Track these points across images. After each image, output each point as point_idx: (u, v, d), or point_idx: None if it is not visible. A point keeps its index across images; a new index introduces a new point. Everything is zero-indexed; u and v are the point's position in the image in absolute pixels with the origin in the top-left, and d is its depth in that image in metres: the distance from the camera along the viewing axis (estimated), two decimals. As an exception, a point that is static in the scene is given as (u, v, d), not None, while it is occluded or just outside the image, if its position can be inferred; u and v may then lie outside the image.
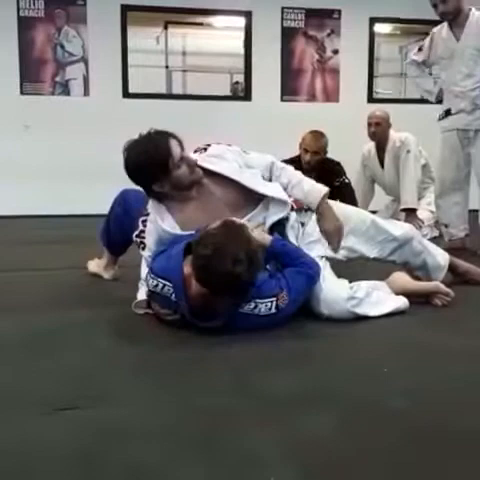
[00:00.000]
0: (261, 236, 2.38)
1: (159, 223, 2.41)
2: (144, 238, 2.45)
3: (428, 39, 4.25)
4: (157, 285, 2.23)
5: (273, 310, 2.19)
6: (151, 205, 2.47)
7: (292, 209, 2.59)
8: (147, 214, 2.48)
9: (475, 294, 2.78)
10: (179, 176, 2.37)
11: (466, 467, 1.29)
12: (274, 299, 2.19)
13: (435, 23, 4.29)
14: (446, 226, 4.23)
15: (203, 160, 2.47)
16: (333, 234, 2.53)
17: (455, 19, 3.97)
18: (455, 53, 3.98)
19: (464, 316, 2.47)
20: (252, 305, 2.17)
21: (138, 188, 2.55)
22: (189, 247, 2.21)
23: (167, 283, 2.19)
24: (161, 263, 2.27)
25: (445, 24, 4.10)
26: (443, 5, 3.92)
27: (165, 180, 2.37)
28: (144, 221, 2.48)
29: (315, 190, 2.55)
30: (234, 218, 2.14)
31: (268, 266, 2.36)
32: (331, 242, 2.53)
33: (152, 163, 2.34)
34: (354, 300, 2.36)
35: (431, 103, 4.49)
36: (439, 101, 4.32)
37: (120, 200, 2.99)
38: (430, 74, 4.40)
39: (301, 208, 2.63)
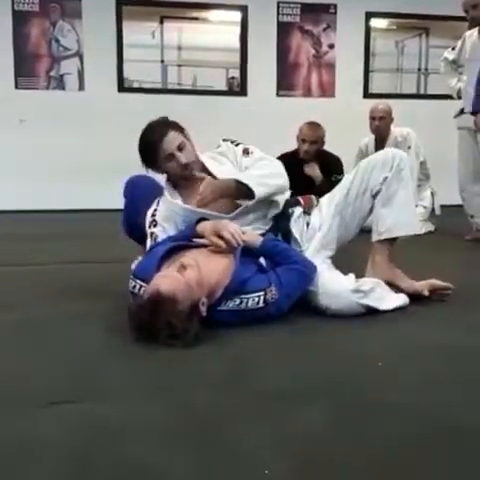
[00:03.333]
0: (252, 238, 2.39)
1: (170, 198, 2.57)
2: (156, 216, 2.57)
3: (460, 40, 4.41)
4: (135, 286, 2.24)
5: (261, 304, 2.18)
6: (164, 184, 2.67)
7: (299, 204, 2.68)
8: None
9: (472, 289, 2.78)
10: (169, 168, 2.57)
11: (461, 463, 1.29)
12: (262, 293, 2.18)
13: (430, 18, 4.32)
14: (472, 217, 4.48)
15: (210, 156, 2.66)
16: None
17: None
18: (478, 56, 4.07)
19: (461, 312, 2.47)
20: (237, 301, 2.16)
21: (142, 176, 2.79)
22: (171, 250, 2.26)
23: (143, 284, 2.18)
24: (142, 264, 2.29)
25: (477, 28, 4.23)
26: (473, 10, 4.11)
27: (159, 168, 2.59)
28: (158, 202, 2.62)
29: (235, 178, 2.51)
30: (163, 289, 2.00)
31: (263, 261, 2.36)
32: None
33: (144, 153, 2.57)
34: (360, 293, 2.35)
35: (426, 98, 4.57)
36: (460, 98, 4.49)
37: (126, 190, 2.95)
38: (460, 73, 4.53)
39: (310, 207, 2.68)
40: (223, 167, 2.63)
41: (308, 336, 2.17)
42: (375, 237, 2.63)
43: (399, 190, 2.57)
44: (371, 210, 2.64)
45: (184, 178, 2.58)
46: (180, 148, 2.52)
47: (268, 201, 2.59)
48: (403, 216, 2.59)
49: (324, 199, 2.72)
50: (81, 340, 2.11)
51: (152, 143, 2.52)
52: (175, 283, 2.03)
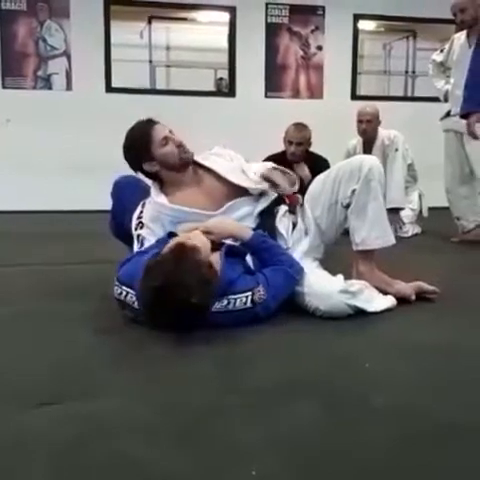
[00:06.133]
0: (241, 231, 2.39)
1: (155, 199, 2.56)
2: (142, 218, 2.57)
3: (449, 43, 4.45)
4: (121, 293, 2.23)
5: (248, 304, 2.18)
6: (151, 184, 2.66)
7: (284, 203, 2.67)
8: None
9: (459, 290, 2.79)
10: (165, 154, 2.55)
11: (446, 460, 1.30)
12: (249, 293, 2.18)
13: (418, 21, 4.35)
14: (458, 219, 4.50)
15: (202, 157, 2.69)
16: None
17: (472, 27, 4.15)
18: (466, 59, 4.10)
19: (449, 313, 2.48)
20: (225, 302, 2.16)
21: (129, 177, 2.78)
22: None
23: (130, 291, 2.18)
24: (126, 270, 2.27)
25: (465, 31, 4.27)
26: (461, 14, 4.13)
27: (153, 159, 2.56)
28: (144, 204, 2.63)
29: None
30: (185, 238, 2.14)
31: (249, 260, 2.37)
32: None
33: (135, 143, 2.56)
34: (348, 294, 2.35)
35: (413, 101, 4.59)
36: (446, 100, 4.53)
37: (113, 191, 2.94)
38: (448, 76, 4.57)
39: (294, 206, 2.67)
40: (218, 163, 2.65)
41: (297, 337, 2.17)
42: (354, 247, 2.64)
43: (369, 203, 2.54)
44: (346, 218, 2.62)
45: (181, 163, 2.56)
46: (171, 132, 2.57)
47: (256, 197, 2.60)
48: (376, 229, 2.58)
49: (306, 203, 2.70)
50: (69, 341, 2.10)
51: (144, 131, 2.54)
52: (197, 237, 2.17)
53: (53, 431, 1.41)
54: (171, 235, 2.36)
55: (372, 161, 2.60)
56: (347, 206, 2.57)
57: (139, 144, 2.55)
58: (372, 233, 2.57)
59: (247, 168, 2.69)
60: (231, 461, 1.29)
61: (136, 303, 2.18)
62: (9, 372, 1.81)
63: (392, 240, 2.64)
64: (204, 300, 2.02)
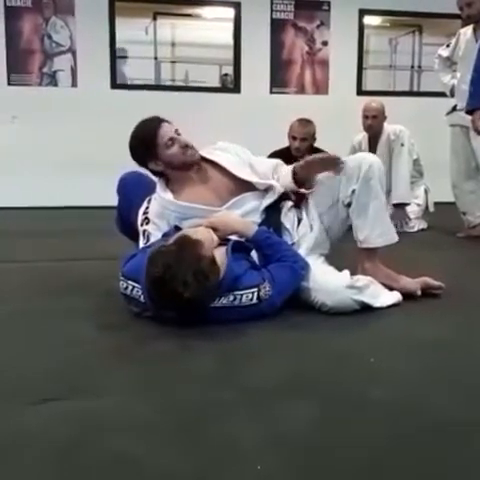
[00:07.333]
0: (245, 226, 2.39)
1: (161, 195, 2.57)
2: (148, 214, 2.58)
3: (455, 38, 4.44)
4: (126, 287, 2.24)
5: (254, 300, 2.18)
6: (157, 181, 2.67)
7: (288, 198, 2.66)
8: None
9: (464, 286, 2.79)
10: (171, 155, 2.55)
11: (446, 456, 1.30)
12: (255, 289, 2.18)
13: (423, 15, 4.32)
14: (464, 214, 4.49)
15: (207, 151, 2.69)
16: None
17: (478, 22, 4.15)
18: (472, 54, 4.09)
19: (454, 309, 2.47)
20: (231, 297, 2.16)
21: (135, 172, 2.79)
22: None
23: (136, 285, 2.19)
24: (132, 265, 2.28)
25: (472, 26, 4.26)
26: (468, 8, 4.12)
27: (158, 159, 2.56)
28: (150, 199, 2.63)
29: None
30: (190, 232, 2.18)
31: (255, 256, 2.37)
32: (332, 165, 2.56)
33: (141, 143, 2.55)
34: (354, 289, 2.35)
35: (419, 96, 4.58)
36: (452, 95, 4.53)
37: (119, 187, 2.95)
38: (454, 71, 4.55)
39: (299, 202, 2.66)
40: (223, 155, 2.67)
41: (300, 333, 2.17)
42: (358, 244, 2.63)
43: (370, 202, 2.52)
44: (348, 216, 2.60)
45: (186, 164, 2.56)
46: (178, 133, 2.57)
47: (262, 193, 2.60)
48: (377, 228, 2.57)
49: (310, 199, 2.68)
50: (70, 337, 2.10)
51: (150, 131, 2.53)
52: (202, 232, 2.17)
53: (52, 429, 1.41)
54: (177, 229, 2.37)
55: (372, 159, 2.58)
56: (348, 205, 2.56)
57: (144, 145, 2.54)
58: (374, 232, 2.56)
59: (255, 162, 2.69)
60: (231, 460, 1.28)
61: (142, 297, 2.19)
62: (9, 370, 1.81)
63: (395, 238, 2.63)
64: (198, 295, 2.03)
